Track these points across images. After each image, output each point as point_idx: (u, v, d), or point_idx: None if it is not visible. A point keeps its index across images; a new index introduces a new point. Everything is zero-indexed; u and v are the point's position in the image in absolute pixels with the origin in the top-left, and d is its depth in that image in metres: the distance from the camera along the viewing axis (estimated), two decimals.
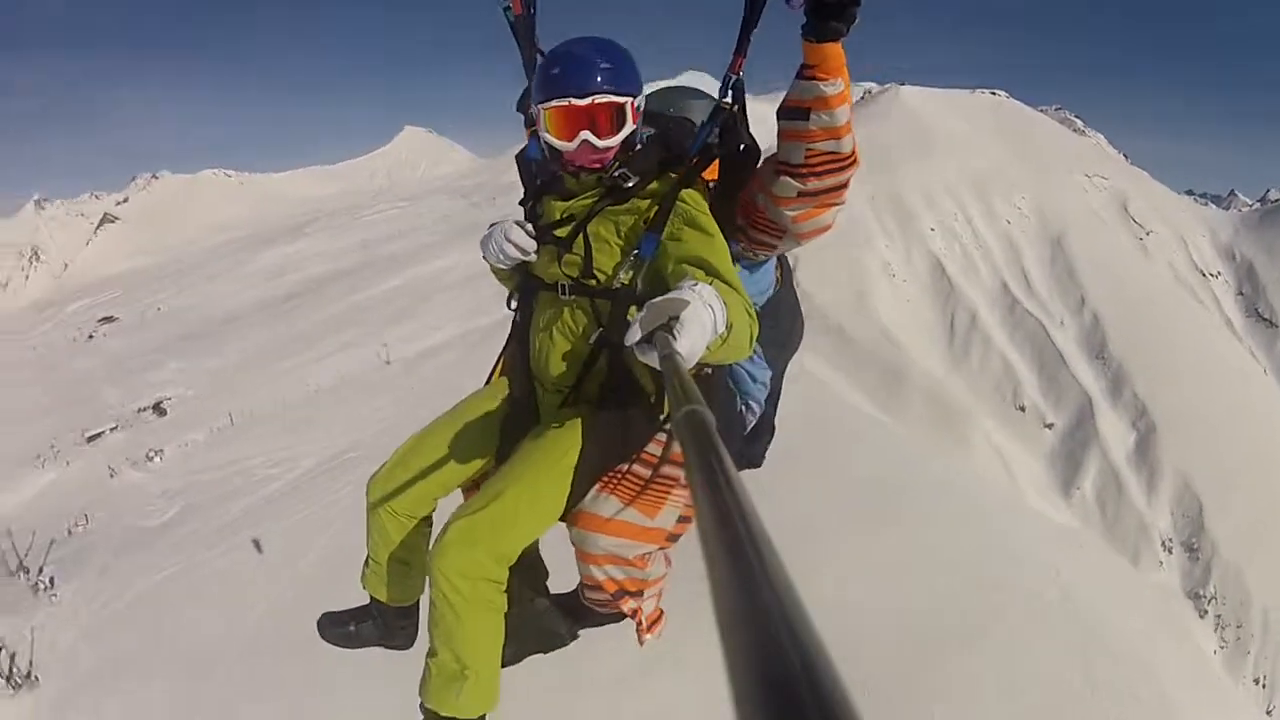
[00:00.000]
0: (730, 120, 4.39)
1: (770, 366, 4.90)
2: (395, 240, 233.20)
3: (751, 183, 4.35)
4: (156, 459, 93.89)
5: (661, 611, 4.92)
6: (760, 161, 4.42)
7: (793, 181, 4.00)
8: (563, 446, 4.14)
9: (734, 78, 4.34)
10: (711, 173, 4.44)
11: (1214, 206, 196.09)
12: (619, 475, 4.27)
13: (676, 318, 2.80)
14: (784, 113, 3.96)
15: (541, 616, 4.99)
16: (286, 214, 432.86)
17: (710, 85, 4.86)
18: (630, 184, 4.12)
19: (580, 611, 4.97)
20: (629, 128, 4.10)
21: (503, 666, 4.38)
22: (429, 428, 4.64)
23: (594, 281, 4.18)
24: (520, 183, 4.92)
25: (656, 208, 4.07)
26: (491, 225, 4.48)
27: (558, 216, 4.31)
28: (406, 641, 5.02)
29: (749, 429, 4.91)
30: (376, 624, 4.97)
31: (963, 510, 16.22)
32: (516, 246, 4.33)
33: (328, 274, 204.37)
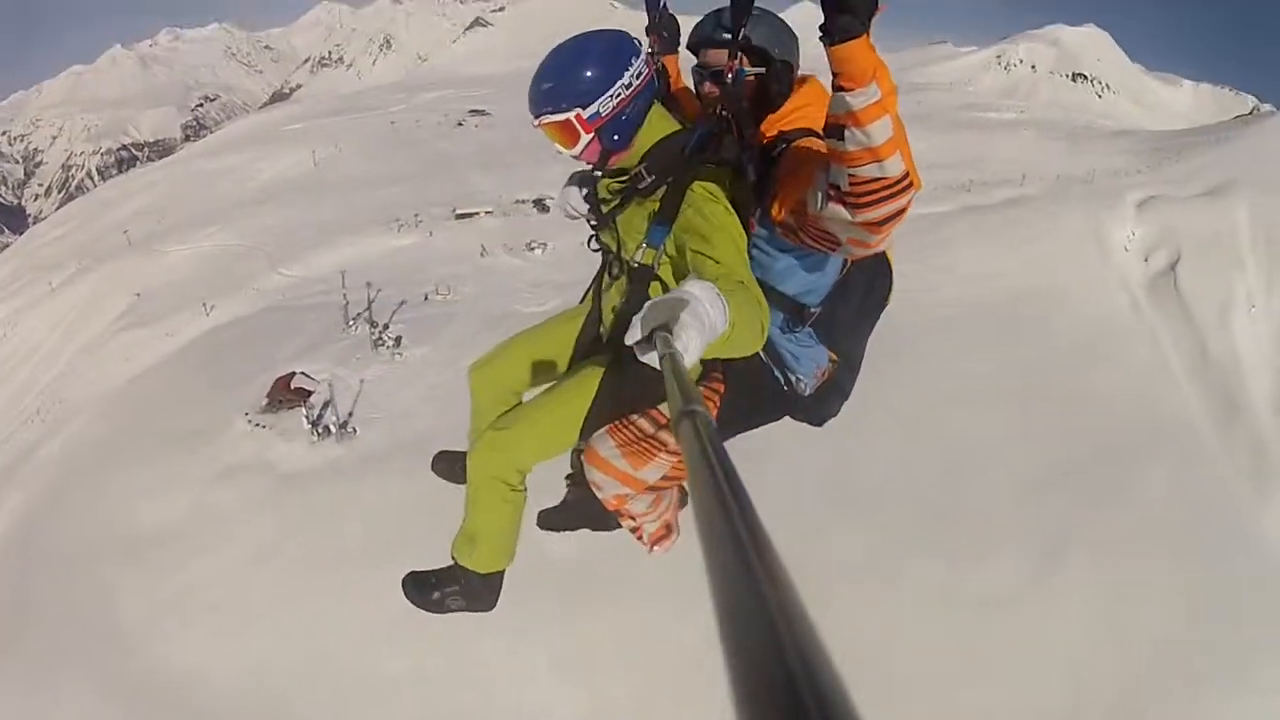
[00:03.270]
0: (719, 127, 4.38)
1: (828, 342, 4.81)
2: None
3: (801, 177, 4.11)
4: (538, 250, 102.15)
5: (669, 529, 5.59)
6: (814, 150, 4.28)
7: (842, 210, 3.70)
8: (584, 386, 4.70)
9: (731, 76, 4.36)
10: (800, 109, 4.54)
11: None
12: (626, 422, 4.72)
13: (676, 317, 2.85)
14: (825, 130, 3.64)
15: (594, 501, 5.26)
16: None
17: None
18: (643, 185, 4.33)
19: None
20: (585, 137, 4.30)
21: (558, 531, 5.94)
22: (527, 332, 5.37)
23: (619, 259, 4.68)
24: None
25: (660, 202, 4.29)
26: (561, 192, 5.17)
27: (603, 194, 4.69)
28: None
29: (809, 394, 4.88)
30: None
31: None
32: (574, 208, 5.00)
33: None
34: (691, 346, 2.65)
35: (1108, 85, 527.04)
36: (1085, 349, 74.59)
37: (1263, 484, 75.03)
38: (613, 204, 4.52)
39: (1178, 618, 48.36)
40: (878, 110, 3.20)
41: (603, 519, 5.53)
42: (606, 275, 4.93)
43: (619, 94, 4.08)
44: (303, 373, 64.66)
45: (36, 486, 55.85)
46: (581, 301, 5.52)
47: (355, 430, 59.53)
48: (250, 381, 64.24)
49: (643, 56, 4.22)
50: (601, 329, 4.99)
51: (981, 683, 42.89)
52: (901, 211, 3.53)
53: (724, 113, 4.22)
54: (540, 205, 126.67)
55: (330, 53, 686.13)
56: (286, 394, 62.17)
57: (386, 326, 74.64)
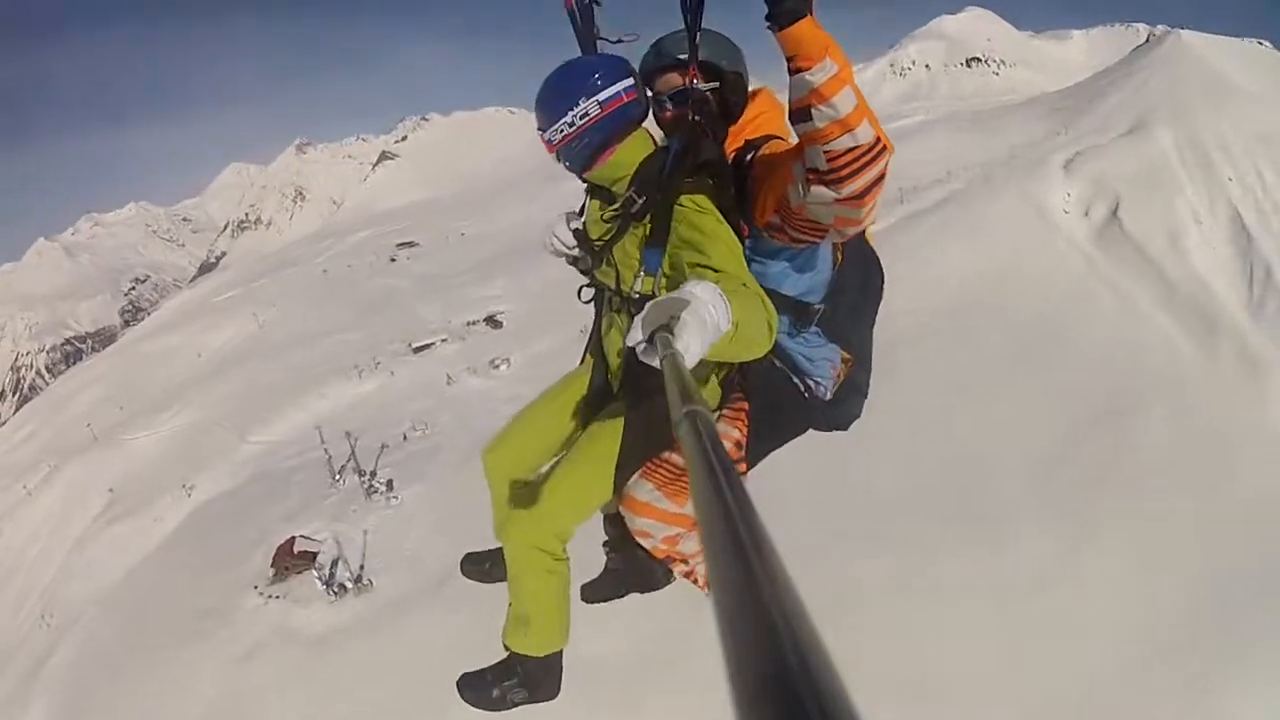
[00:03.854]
0: (692, 134, 4.32)
1: (838, 340, 4.78)
2: None
3: (778, 178, 4.13)
4: (503, 366, 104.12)
5: None
6: (783, 151, 4.33)
7: (826, 190, 3.74)
8: (607, 438, 4.50)
9: (691, 87, 4.32)
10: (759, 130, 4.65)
11: None
12: (658, 462, 4.56)
13: (677, 317, 2.85)
14: (791, 117, 3.72)
15: (639, 561, 5.26)
16: None
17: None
18: (635, 208, 4.27)
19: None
20: (549, 156, 4.47)
21: (605, 601, 5.64)
22: (532, 405, 5.16)
23: (619, 294, 4.55)
24: None
25: (651, 223, 4.25)
26: (546, 227, 4.91)
27: (595, 230, 4.61)
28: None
29: (829, 397, 4.85)
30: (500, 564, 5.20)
31: None
32: (562, 242, 4.76)
33: None
34: (693, 346, 2.69)
35: (1003, 61, 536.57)
36: (1055, 317, 76.96)
37: (1260, 387, 79.72)
38: (607, 237, 4.42)
39: (1206, 571, 49.18)
40: (838, 83, 3.30)
41: (649, 577, 5.36)
42: (605, 319, 4.78)
43: (575, 122, 4.10)
44: (303, 535, 65.17)
45: (58, 698, 55.62)
46: (581, 362, 5.32)
47: (370, 582, 61.12)
48: (250, 554, 65.10)
49: (613, 87, 4.15)
50: (610, 376, 4.85)
51: (1022, 667, 43.90)
52: (881, 178, 3.62)
53: (696, 119, 4.18)
54: (492, 322, 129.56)
55: (247, 214, 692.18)
56: (292, 559, 62.66)
57: (374, 474, 76.19)
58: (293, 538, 63.19)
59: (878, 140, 3.47)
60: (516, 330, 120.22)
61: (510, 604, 4.51)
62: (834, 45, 3.30)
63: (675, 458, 4.44)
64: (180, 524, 77.15)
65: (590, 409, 4.86)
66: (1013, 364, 65.68)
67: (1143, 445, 58.73)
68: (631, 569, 5.30)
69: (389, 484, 71.15)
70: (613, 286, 4.45)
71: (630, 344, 2.76)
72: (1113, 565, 49.45)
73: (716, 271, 3.69)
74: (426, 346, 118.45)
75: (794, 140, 3.92)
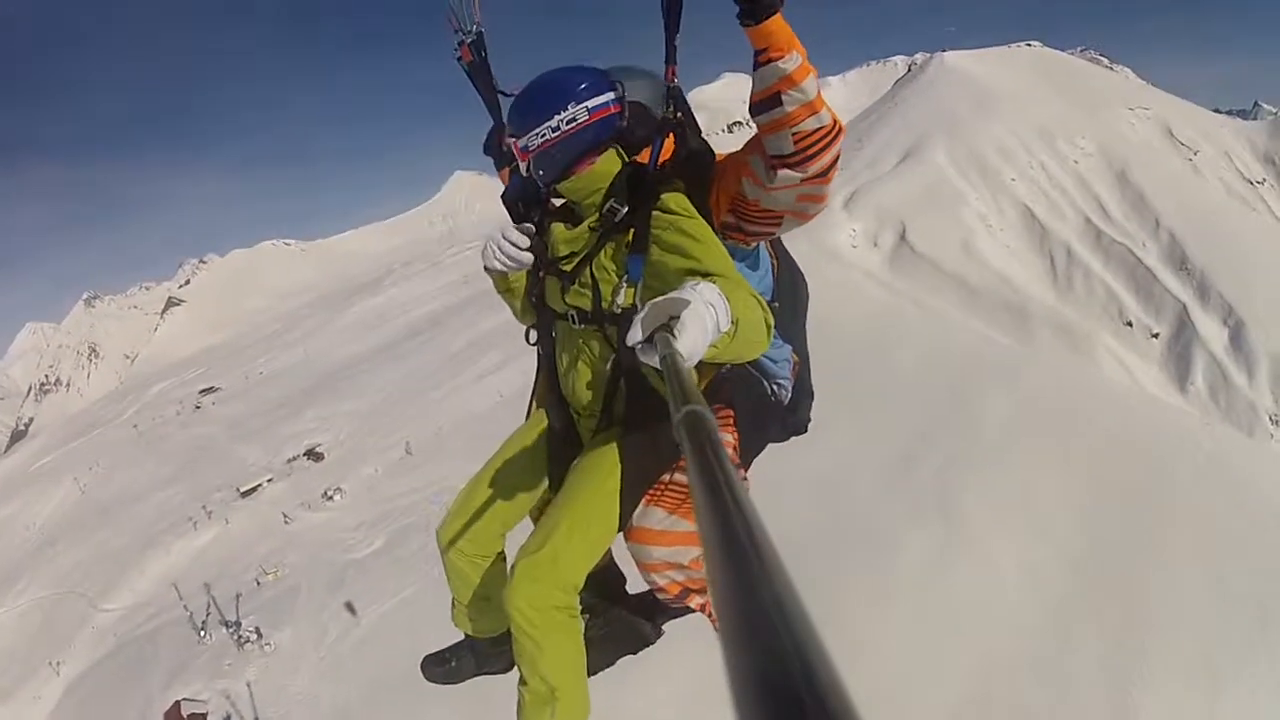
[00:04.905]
0: (678, 129, 4.31)
1: (789, 341, 4.85)
2: None
3: (728, 178, 4.25)
4: (336, 497, 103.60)
5: None
6: (728, 155, 4.41)
7: (792, 173, 3.87)
8: (603, 472, 4.22)
9: (670, 86, 4.27)
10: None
11: (1241, 120, 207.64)
12: (662, 487, 4.34)
13: (677, 317, 2.85)
14: (755, 109, 3.86)
15: (624, 621, 5.12)
16: (356, 272, 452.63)
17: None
18: (619, 217, 4.14)
19: (659, 607, 5.04)
20: (521, 165, 4.31)
21: (596, 672, 4.76)
22: (481, 472, 4.78)
23: (600, 313, 4.26)
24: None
25: (633, 230, 4.10)
26: (486, 237, 4.54)
27: (561, 249, 4.37)
28: (505, 665, 5.10)
29: (787, 402, 4.85)
30: (473, 654, 5.14)
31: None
32: (515, 245, 4.34)
33: (441, 311, 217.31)
34: (694, 346, 2.74)
35: None
36: (871, 341, 78.48)
37: (1085, 353, 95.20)
38: (583, 252, 4.25)
39: (1082, 537, 52.94)
40: (805, 70, 3.60)
41: (638, 636, 5.13)
42: (566, 354, 4.50)
43: (561, 125, 4.09)
44: (186, 699, 62.97)
45: None
46: (528, 416, 5.05)
47: None
48: None
49: (602, 96, 4.16)
50: (579, 414, 4.58)
51: (929, 670, 45.44)
52: (838, 157, 3.91)
53: (677, 114, 4.25)
54: (313, 455, 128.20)
55: (48, 376, 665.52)
56: None
57: (239, 623, 74.41)
58: (177, 702, 61.97)
59: (835, 122, 3.80)
60: (339, 459, 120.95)
61: (525, 684, 4.18)
62: (796, 37, 3.59)
63: (680, 477, 4.27)
64: (58, 702, 75.99)
65: (555, 460, 4.65)
66: (846, 386, 65.42)
67: (990, 428, 62.77)
68: (617, 631, 5.10)
69: (258, 631, 70.50)
70: (588, 308, 4.21)
71: (630, 344, 2.79)
72: (990, 549, 52.53)
73: (708, 275, 3.64)
74: (254, 489, 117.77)
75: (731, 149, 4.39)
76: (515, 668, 4.53)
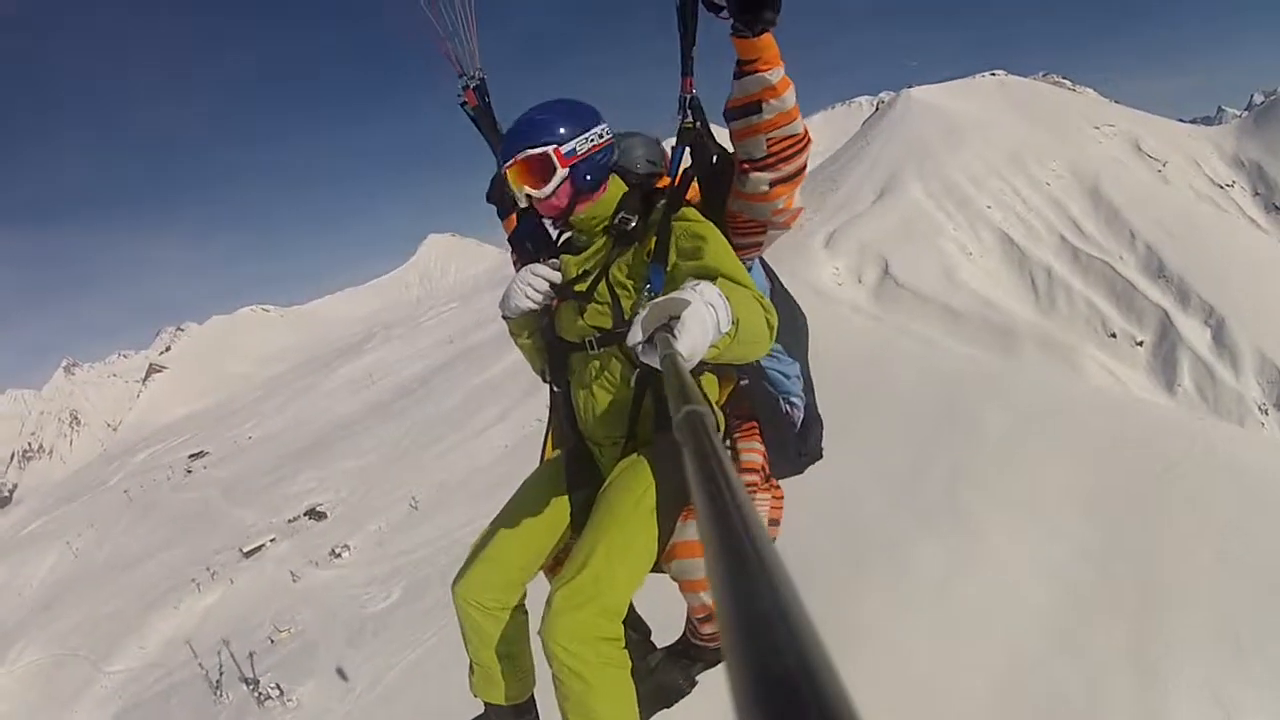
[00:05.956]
0: (697, 138, 4.38)
1: (796, 358, 4.78)
2: (480, 329, 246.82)
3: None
4: (344, 554, 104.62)
5: None
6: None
7: (764, 174, 4.05)
8: (639, 491, 4.03)
9: (689, 97, 4.37)
10: (692, 193, 4.44)
11: (1206, 126, 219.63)
12: None
13: (677, 317, 2.83)
14: (733, 114, 4.02)
15: (655, 672, 4.80)
16: (338, 335, 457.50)
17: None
18: (631, 226, 4.18)
19: (694, 654, 4.81)
20: (560, 172, 4.11)
21: None
22: (499, 517, 4.56)
23: (623, 329, 4.05)
24: (516, 268, 4.92)
25: (654, 239, 4.10)
26: (508, 286, 4.52)
27: (574, 273, 4.34)
28: None
29: (799, 425, 4.76)
30: None
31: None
32: (542, 278, 4.32)
33: (429, 369, 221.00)
34: (694, 346, 2.72)
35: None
36: (864, 369, 78.57)
37: (1071, 365, 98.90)
38: (596, 269, 4.20)
39: (1090, 539, 52.97)
40: (786, 82, 3.81)
41: (671, 688, 4.75)
42: (583, 380, 4.36)
43: (594, 139, 4.11)
44: None
45: None
46: (542, 458, 4.93)
47: None
48: None
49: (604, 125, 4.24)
50: (597, 444, 4.44)
51: (943, 675, 45.08)
52: (805, 166, 4.11)
53: (696, 124, 4.30)
54: (315, 515, 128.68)
55: (30, 443, 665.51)
56: None
57: (257, 681, 73.59)
58: None
59: (805, 133, 4.03)
60: (342, 516, 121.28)
61: None
62: (780, 52, 3.81)
63: None
64: None
65: (575, 500, 4.45)
66: (846, 412, 63.48)
67: (990, 438, 63.46)
68: (646, 684, 4.48)
69: (279, 688, 69.68)
70: (609, 325, 4.11)
71: (630, 344, 2.79)
72: (1004, 551, 53.15)
73: (719, 275, 3.58)
74: (258, 549, 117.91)
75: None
76: None
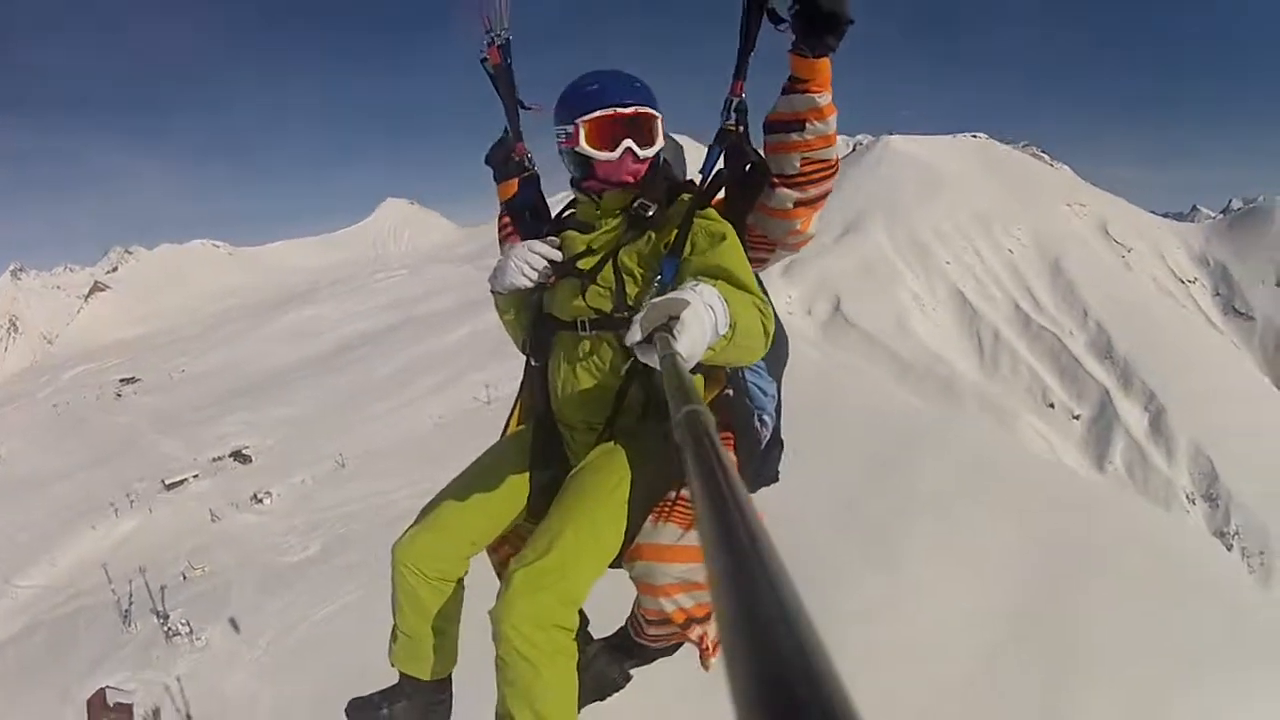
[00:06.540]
0: (736, 141, 4.31)
1: (775, 380, 4.72)
2: (428, 300, 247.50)
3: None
4: (266, 500, 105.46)
5: None
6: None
7: (791, 192, 4.12)
8: (612, 481, 3.95)
9: (736, 100, 4.30)
10: (717, 197, 4.41)
11: (1177, 222, 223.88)
12: (670, 503, 4.07)
13: (677, 317, 2.79)
14: (774, 127, 4.07)
15: (592, 663, 4.63)
16: (283, 283, 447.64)
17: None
18: (650, 213, 4.07)
19: (632, 650, 4.70)
20: (659, 144, 4.16)
21: None
22: (454, 485, 4.41)
23: (623, 314, 4.02)
24: (504, 234, 5.05)
25: (675, 231, 4.02)
26: (501, 258, 4.36)
27: (578, 249, 4.22)
28: (444, 718, 4.58)
29: (764, 444, 4.60)
30: (411, 704, 4.48)
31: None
32: (542, 256, 4.15)
33: (373, 330, 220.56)
34: (693, 347, 2.73)
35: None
36: (806, 400, 75.93)
37: (1008, 428, 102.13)
38: (604, 250, 4.11)
39: (1018, 580, 55.84)
40: (833, 108, 3.92)
41: (608, 681, 4.74)
42: (567, 357, 4.22)
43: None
44: (110, 687, 61.59)
45: None
46: (504, 432, 4.78)
47: None
48: (58, 712, 61.31)
49: None
50: (570, 428, 4.35)
51: (869, 703, 48.02)
52: (829, 191, 4.25)
53: (739, 128, 4.25)
54: (240, 457, 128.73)
55: None
56: (109, 715, 59.21)
57: (168, 616, 73.07)
58: (102, 690, 60.65)
59: (837, 160, 4.23)
60: (268, 464, 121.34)
61: (509, 715, 3.70)
62: (831, 78, 3.93)
63: (688, 493, 3.93)
64: None
65: (537, 479, 4.36)
66: (789, 435, 67.34)
67: (926, 485, 65.77)
68: (582, 674, 4.26)
69: (189, 625, 69.36)
70: (608, 309, 4.01)
71: (629, 343, 2.76)
72: (934, 590, 55.26)
73: (719, 279, 3.49)
74: (180, 483, 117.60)
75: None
76: (443, 716, 4.54)
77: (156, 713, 58.85)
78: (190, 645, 67.06)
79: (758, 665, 0.67)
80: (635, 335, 2.72)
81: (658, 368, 2.51)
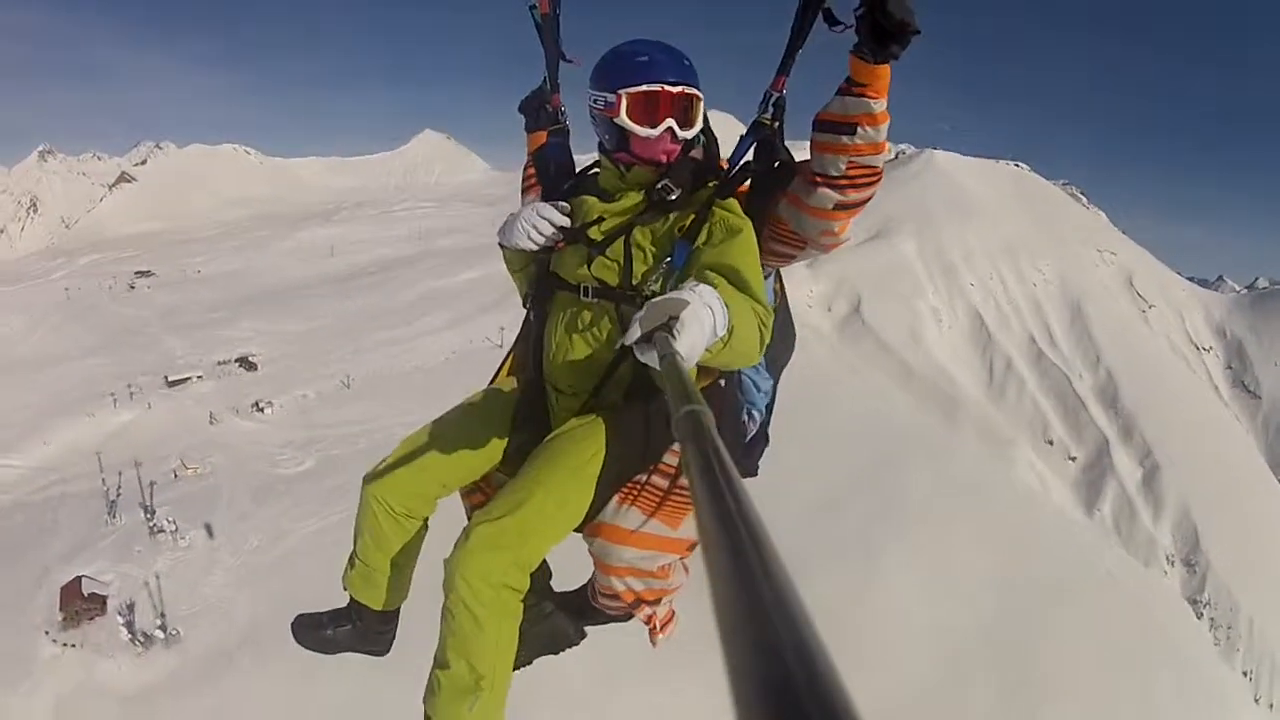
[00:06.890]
0: (769, 136, 4.37)
1: (773, 378, 4.85)
2: (449, 235, 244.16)
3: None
4: (267, 410, 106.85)
5: (674, 612, 4.80)
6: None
7: (832, 193, 4.06)
8: (586, 453, 4.03)
9: (776, 95, 4.34)
10: (742, 187, 4.42)
11: (1202, 288, 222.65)
12: (638, 487, 4.22)
13: (676, 317, 2.81)
14: (824, 126, 4.00)
15: (549, 618, 4.88)
16: (308, 199, 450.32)
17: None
18: (674, 197, 4.08)
19: (587, 610, 4.85)
20: (699, 127, 4.18)
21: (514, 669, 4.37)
22: (434, 427, 4.45)
23: (627, 289, 4.14)
24: (526, 185, 4.99)
25: (692, 216, 4.08)
26: (512, 214, 4.44)
27: (593, 217, 4.24)
28: (385, 648, 4.77)
29: (748, 438, 4.78)
30: (356, 629, 4.66)
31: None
32: (550, 222, 4.23)
33: (391, 259, 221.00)
34: (692, 347, 2.73)
35: None
36: (808, 395, 78.17)
37: (1004, 454, 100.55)
38: (619, 224, 4.12)
39: (987, 593, 57.01)
40: (886, 115, 3.86)
41: (559, 636, 4.90)
42: (563, 322, 4.24)
43: None
44: (87, 576, 62.05)
45: None
46: (494, 380, 4.86)
47: (179, 632, 58.85)
48: (31, 594, 61.47)
49: None
50: (557, 390, 4.36)
51: None
52: (870, 197, 4.15)
53: (774, 124, 4.30)
54: (246, 364, 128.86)
55: None
56: (82, 603, 59.40)
57: (154, 512, 73.64)
58: (78, 578, 60.93)
59: (882, 169, 4.10)
60: (272, 374, 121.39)
61: (446, 668, 3.77)
62: (889, 85, 3.87)
63: (656, 479, 4.15)
64: None
65: (517, 433, 4.37)
66: (777, 427, 68.92)
67: (912, 496, 67.03)
68: (543, 628, 4.79)
69: (174, 524, 69.94)
70: (613, 283, 4.07)
71: (628, 343, 2.77)
72: (904, 598, 56.23)
73: (734, 279, 3.60)
74: (182, 381, 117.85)
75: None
76: (384, 646, 4.68)
77: (131, 607, 58.75)
78: (173, 543, 67.53)
79: (758, 665, 0.67)
80: (635, 334, 2.75)
81: (657, 367, 2.52)
